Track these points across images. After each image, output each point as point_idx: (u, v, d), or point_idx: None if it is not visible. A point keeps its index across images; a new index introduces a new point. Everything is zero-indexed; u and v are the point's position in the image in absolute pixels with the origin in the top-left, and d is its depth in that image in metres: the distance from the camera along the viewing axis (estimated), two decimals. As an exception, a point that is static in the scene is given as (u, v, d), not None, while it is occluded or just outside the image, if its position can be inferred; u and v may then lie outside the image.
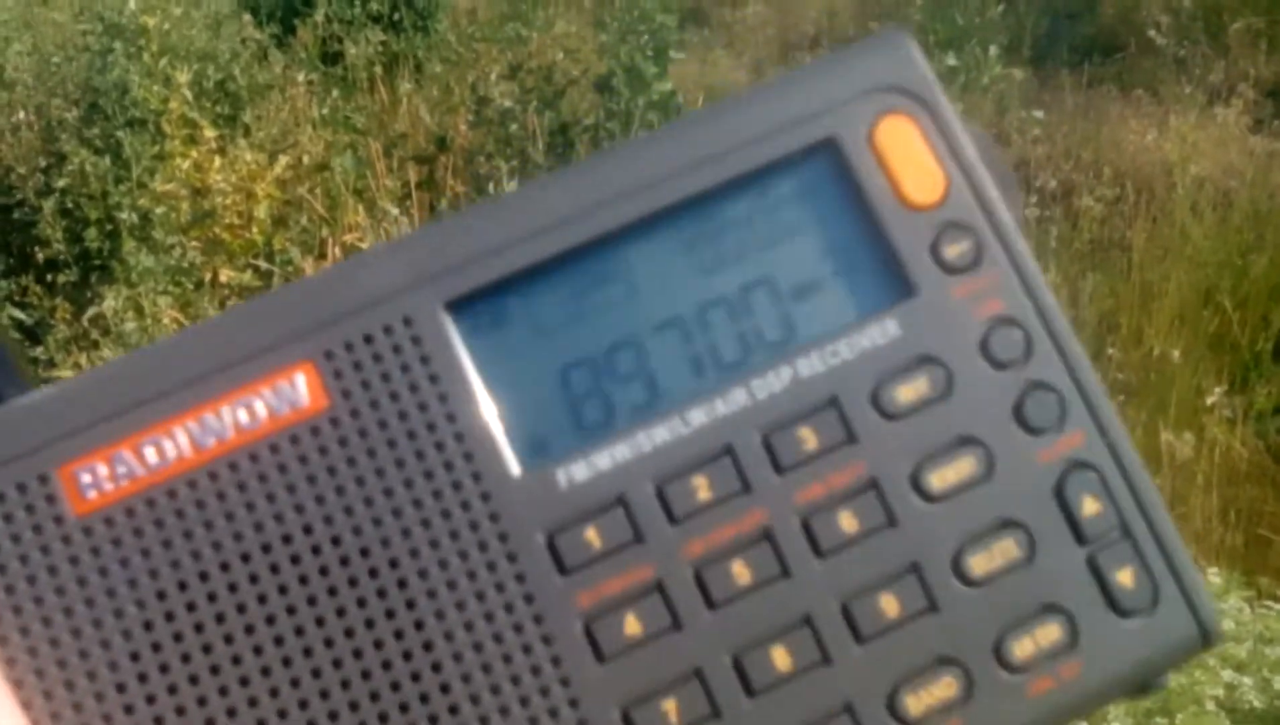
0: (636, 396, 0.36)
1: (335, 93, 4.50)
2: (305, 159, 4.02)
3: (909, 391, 0.36)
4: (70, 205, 3.74)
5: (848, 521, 0.35)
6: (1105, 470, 0.36)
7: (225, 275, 3.70)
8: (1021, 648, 0.35)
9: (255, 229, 3.78)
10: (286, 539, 0.33)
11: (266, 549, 0.33)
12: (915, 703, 0.34)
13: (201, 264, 3.64)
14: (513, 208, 0.37)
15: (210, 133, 3.78)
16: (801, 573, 0.35)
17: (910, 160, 0.37)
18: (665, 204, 0.37)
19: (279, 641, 0.33)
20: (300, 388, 0.34)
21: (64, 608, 0.32)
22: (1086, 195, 3.83)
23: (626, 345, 0.37)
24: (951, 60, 4.66)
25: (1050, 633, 0.35)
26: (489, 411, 0.35)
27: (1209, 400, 2.98)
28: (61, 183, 3.73)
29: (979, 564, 0.35)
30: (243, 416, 0.33)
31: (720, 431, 0.35)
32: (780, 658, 0.34)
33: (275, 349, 0.34)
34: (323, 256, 3.72)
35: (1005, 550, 0.35)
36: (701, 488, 0.35)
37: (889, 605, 0.35)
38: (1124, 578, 0.35)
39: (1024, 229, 0.38)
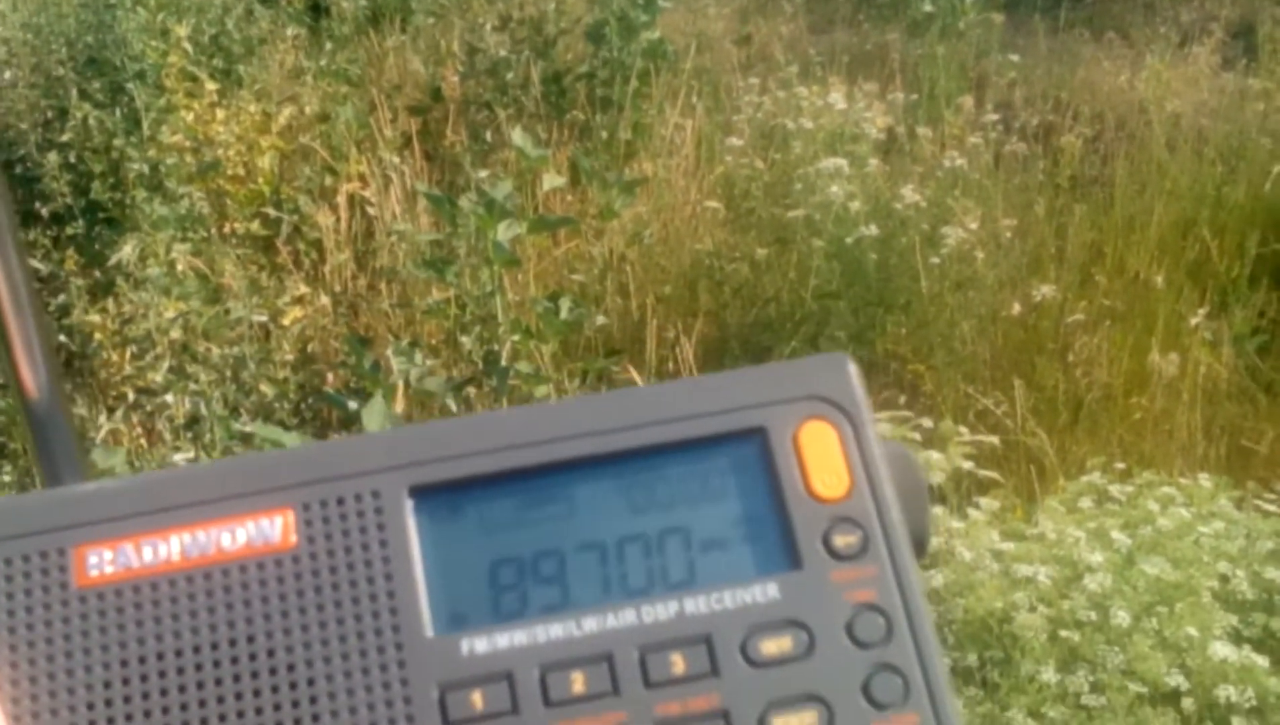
0: (548, 597, 0.42)
1: (329, 45, 4.55)
2: (307, 110, 4.07)
3: (773, 645, 0.41)
4: (74, 159, 3.77)
5: None
6: None
7: (233, 225, 3.76)
8: None
9: (260, 179, 3.84)
10: (232, 642, 0.41)
11: (214, 646, 0.41)
12: None
13: (210, 214, 3.70)
14: (485, 425, 0.45)
15: (210, 86, 3.83)
16: None
17: (823, 459, 0.43)
18: (617, 449, 0.44)
19: (204, 721, 0.40)
20: (276, 527, 0.42)
21: (51, 654, 0.41)
22: (1066, 133, 3.94)
23: (552, 555, 0.43)
24: (928, 6, 4.75)
25: None
26: (421, 582, 0.42)
27: (1192, 322, 3.11)
28: (65, 137, 3.76)
29: None
30: (225, 539, 0.42)
31: (606, 640, 0.41)
32: None
33: (266, 493, 0.43)
34: (333, 207, 3.79)
35: None
36: (578, 681, 0.41)
37: None
38: None
39: (924, 535, 0.45)
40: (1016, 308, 3.14)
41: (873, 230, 3.12)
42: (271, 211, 3.78)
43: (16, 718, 0.39)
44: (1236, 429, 2.96)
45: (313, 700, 0.40)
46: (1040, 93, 4.33)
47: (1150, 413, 2.93)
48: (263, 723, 0.40)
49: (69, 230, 3.73)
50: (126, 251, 3.32)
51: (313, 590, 0.41)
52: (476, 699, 0.41)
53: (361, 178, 3.89)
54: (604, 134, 3.90)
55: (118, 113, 3.77)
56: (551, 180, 3.03)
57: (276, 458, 0.44)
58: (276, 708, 0.40)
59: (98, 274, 3.51)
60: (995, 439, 2.63)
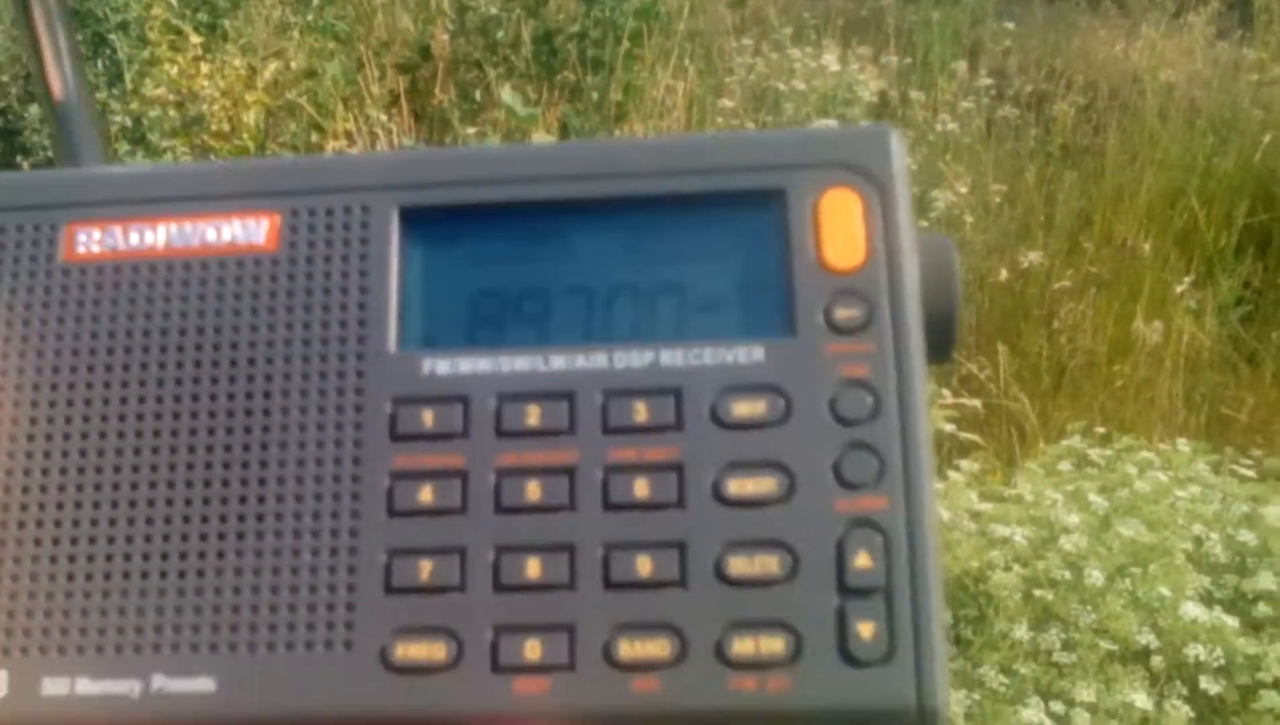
0: (525, 334, 0.41)
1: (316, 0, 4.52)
2: (293, 66, 4.05)
3: (745, 407, 0.39)
4: (60, 111, 3.74)
5: (642, 488, 0.39)
6: (893, 537, 0.38)
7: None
8: (741, 645, 0.37)
9: (245, 135, 3.82)
10: (200, 331, 0.41)
11: (183, 333, 0.41)
12: (629, 649, 0.38)
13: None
14: (488, 157, 0.43)
15: (195, 39, 3.80)
16: (584, 511, 0.39)
17: (842, 229, 0.41)
18: (626, 195, 0.42)
19: (159, 399, 0.41)
20: (262, 229, 0.42)
21: (28, 320, 0.42)
22: (1059, 101, 3.93)
23: (539, 294, 0.42)
24: (924, -27, 4.73)
25: (773, 645, 0.37)
26: (395, 298, 0.41)
27: (1177, 290, 3.11)
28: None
29: (738, 566, 0.38)
30: (210, 234, 0.42)
31: (571, 379, 0.40)
32: (533, 567, 0.38)
33: (257, 196, 0.42)
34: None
35: (766, 565, 0.38)
36: (534, 415, 0.40)
37: (643, 565, 0.38)
38: (864, 630, 0.37)
39: (947, 329, 0.42)
40: (1004, 273, 3.14)
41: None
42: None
43: None
44: (1217, 397, 2.97)
45: (266, 396, 0.40)
46: (1035, 60, 4.32)
47: (1133, 380, 2.94)
48: (216, 409, 0.40)
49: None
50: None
51: (285, 293, 0.41)
52: (428, 417, 0.40)
53: (348, 135, 3.87)
54: (595, 95, 3.88)
55: (100, 65, 3.74)
56: (541, 140, 3.02)
57: (272, 165, 0.44)
58: (230, 397, 0.40)
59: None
60: (978, 403, 2.64)
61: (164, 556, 0.39)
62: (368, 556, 0.39)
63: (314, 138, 3.90)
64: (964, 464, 2.37)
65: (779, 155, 0.42)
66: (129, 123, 3.63)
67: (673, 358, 0.40)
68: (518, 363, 0.40)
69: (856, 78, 3.59)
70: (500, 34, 4.09)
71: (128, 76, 3.68)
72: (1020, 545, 2.06)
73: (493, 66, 4.01)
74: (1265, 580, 2.02)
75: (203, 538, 0.39)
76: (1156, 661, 1.88)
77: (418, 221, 0.42)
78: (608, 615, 0.38)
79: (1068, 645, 1.92)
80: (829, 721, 0.38)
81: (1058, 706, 1.81)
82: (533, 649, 0.38)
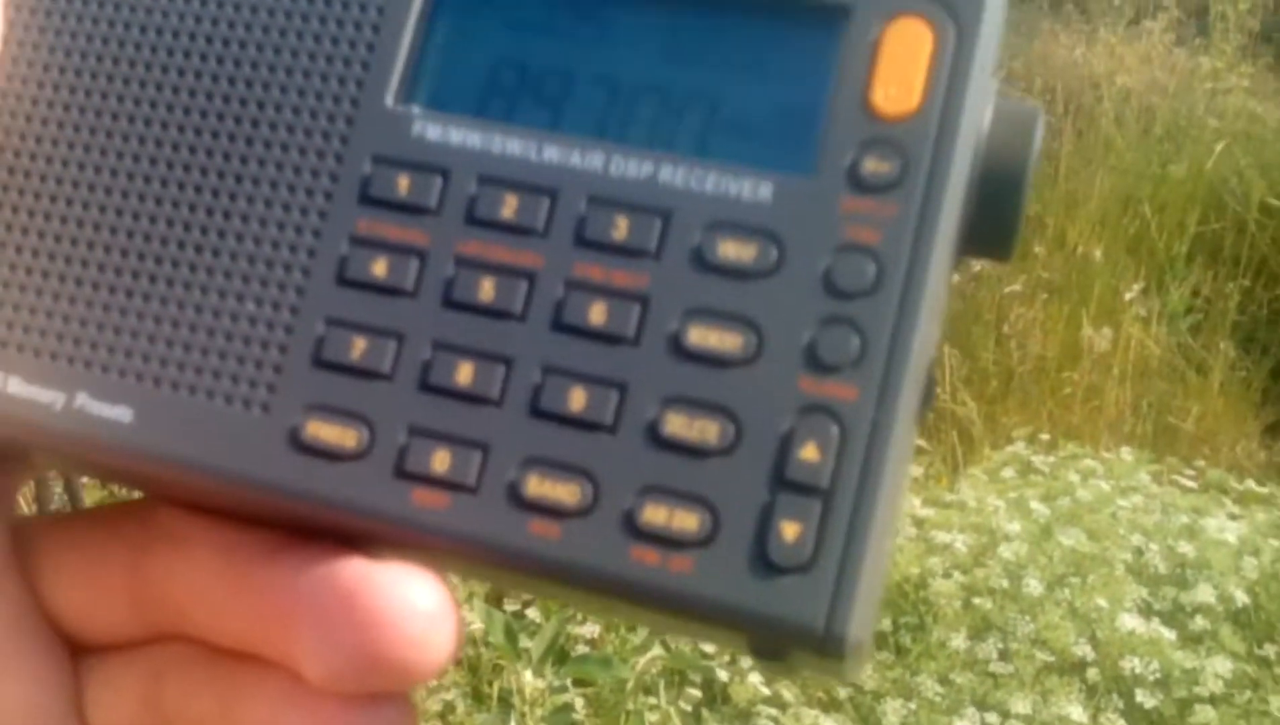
0: (535, 116, 0.38)
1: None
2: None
3: (733, 250, 0.35)
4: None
5: (597, 314, 0.36)
6: (852, 434, 0.34)
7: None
8: (652, 513, 0.34)
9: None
10: (192, 36, 0.40)
11: (176, 34, 0.40)
12: (537, 486, 0.35)
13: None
14: None
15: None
16: (531, 325, 0.36)
17: (900, 66, 0.36)
18: None
19: (143, 98, 0.39)
20: None
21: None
22: (1016, 105, 3.93)
23: (562, 75, 0.39)
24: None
25: (687, 521, 0.34)
26: (407, 45, 0.38)
27: (1126, 297, 3.13)
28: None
29: (674, 424, 0.35)
30: None
31: (558, 176, 0.37)
32: (464, 373, 0.36)
33: None
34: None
35: (705, 430, 0.35)
36: (509, 206, 0.37)
37: (576, 399, 0.35)
38: (788, 531, 0.34)
39: (1005, 216, 0.36)
40: (955, 277, 3.14)
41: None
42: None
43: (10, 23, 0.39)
44: (1164, 406, 2.98)
45: (253, 124, 0.38)
46: (994, 63, 4.32)
47: (1080, 387, 2.95)
48: (200, 126, 0.38)
49: None
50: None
51: (298, 17, 0.39)
52: (403, 183, 0.37)
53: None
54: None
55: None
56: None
57: None
58: (219, 117, 0.38)
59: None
60: (924, 406, 2.63)
61: (116, 269, 0.38)
62: (306, 321, 0.36)
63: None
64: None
65: None
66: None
67: (672, 175, 0.36)
68: (510, 144, 0.37)
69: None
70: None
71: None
72: (961, 552, 2.06)
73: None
74: (1203, 593, 2.03)
75: (155, 259, 0.37)
76: (1093, 673, 1.89)
77: None
78: (525, 444, 0.35)
79: (1005, 655, 1.92)
80: (723, 621, 0.34)
81: (993, 718, 1.81)
82: (441, 460, 0.35)
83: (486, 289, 0.36)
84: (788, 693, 1.89)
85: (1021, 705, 1.82)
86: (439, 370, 0.36)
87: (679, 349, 0.35)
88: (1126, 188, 3.58)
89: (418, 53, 0.38)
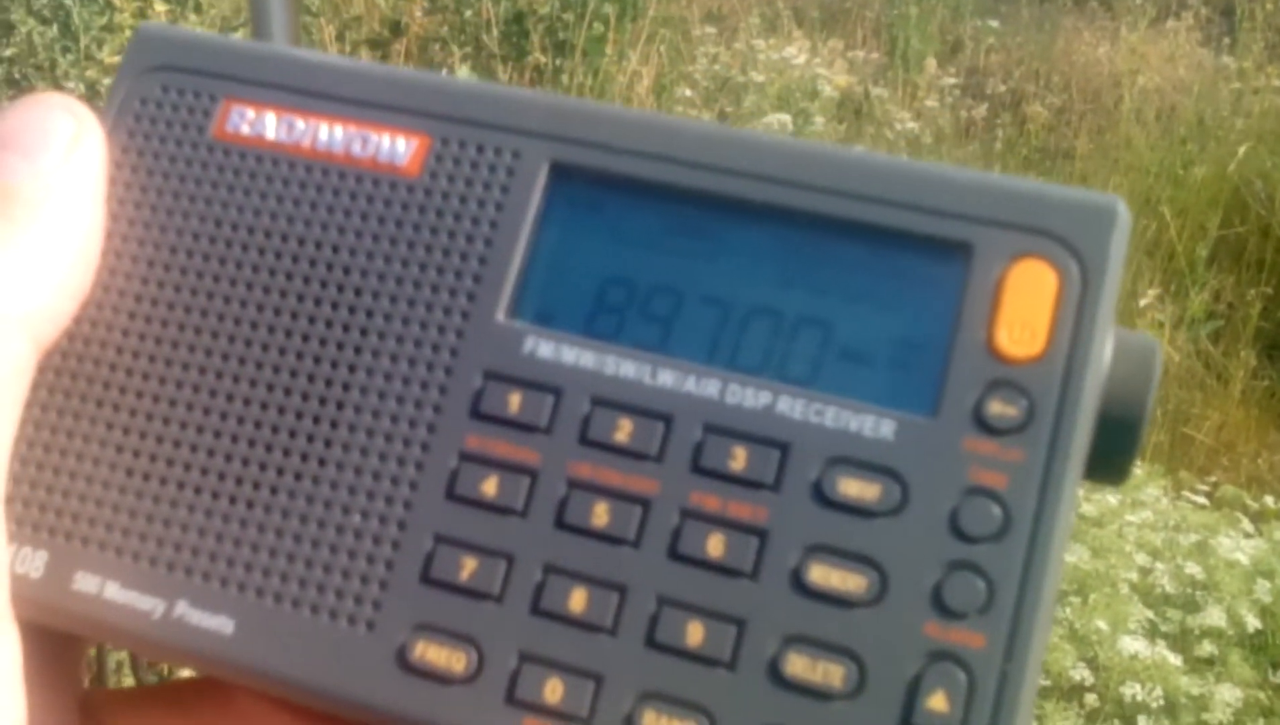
0: (645, 335, 0.37)
1: (287, -28, 4.43)
2: (257, 37, 3.96)
3: (855, 487, 0.34)
4: (17, 75, 3.67)
5: (715, 546, 0.35)
6: (981, 683, 0.33)
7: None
8: None
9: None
10: (318, 245, 0.38)
11: (301, 242, 0.39)
12: (653, 721, 0.34)
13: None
14: (659, 127, 0.39)
15: (161, 7, 3.71)
16: (647, 553, 0.35)
17: (1024, 309, 0.35)
18: (794, 206, 0.37)
19: (260, 308, 0.38)
20: (408, 150, 0.39)
21: (162, 190, 0.40)
22: (1035, 103, 3.85)
23: (672, 293, 0.38)
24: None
25: None
26: (519, 261, 0.38)
27: (1143, 302, 3.04)
28: (9, 52, 3.65)
29: (795, 665, 0.33)
30: (356, 145, 0.39)
31: (674, 402, 0.36)
32: (577, 599, 0.35)
33: (413, 114, 0.39)
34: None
35: (828, 673, 0.33)
36: (624, 430, 0.36)
37: (693, 633, 0.34)
38: None
39: (1123, 451, 0.36)
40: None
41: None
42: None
43: (109, 233, 0.39)
44: (1182, 416, 2.89)
45: (363, 333, 0.37)
46: (1016, 60, 4.25)
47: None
48: (311, 334, 0.38)
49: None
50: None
51: (412, 227, 0.38)
52: (514, 400, 0.36)
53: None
54: (564, 78, 3.81)
55: (58, 30, 3.66)
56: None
57: (436, 81, 0.40)
58: (329, 325, 0.38)
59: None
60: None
61: (221, 476, 0.37)
62: (414, 537, 0.36)
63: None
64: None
65: (979, 204, 0.36)
66: (83, 90, 3.54)
67: (791, 407, 0.35)
68: (624, 367, 0.36)
69: (820, 72, 3.50)
70: (468, 13, 4.02)
71: (82, 41, 3.59)
72: (959, 569, 1.99)
73: (459, 46, 3.93)
74: (1213, 616, 1.95)
75: (262, 467, 0.37)
76: (1091, 699, 1.81)
77: (566, 180, 0.38)
78: (640, 676, 0.34)
79: (1000, 677, 1.84)
80: None
81: (985, 743, 1.74)
82: (553, 689, 0.34)
83: (600, 513, 0.35)
84: None
85: (1016, 731, 1.74)
86: (551, 594, 0.35)
87: (800, 586, 0.34)
88: (1146, 189, 3.48)
89: (528, 267, 0.38)
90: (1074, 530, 2.05)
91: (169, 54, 0.41)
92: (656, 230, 0.38)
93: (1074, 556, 1.99)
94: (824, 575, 0.34)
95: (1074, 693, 1.83)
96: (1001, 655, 0.33)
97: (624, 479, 0.35)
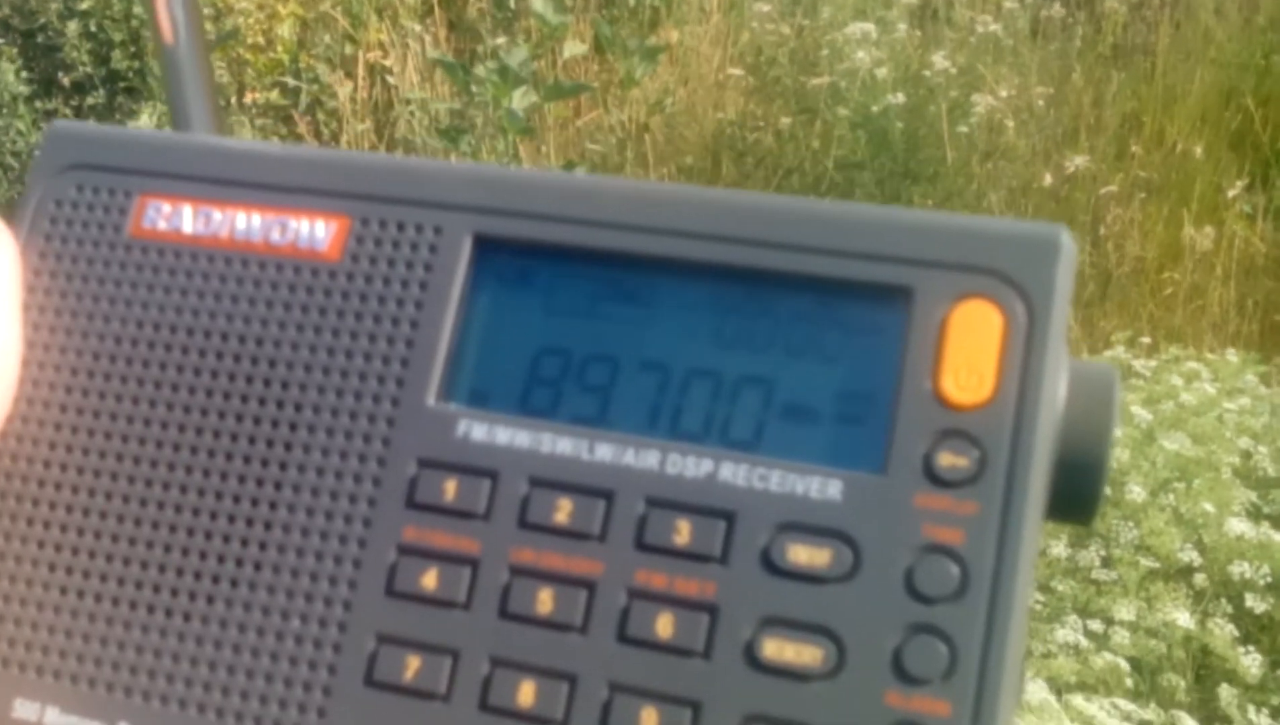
0: (583, 407, 0.36)
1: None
2: (326, -24, 4.00)
3: (805, 554, 0.33)
4: (94, 28, 3.73)
5: (664, 626, 0.34)
6: None
7: (252, 95, 3.72)
8: None
9: (279, 48, 3.80)
10: (241, 339, 0.38)
11: (224, 337, 0.38)
12: None
13: (229, 84, 3.66)
14: (582, 190, 0.38)
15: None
16: (595, 639, 0.34)
17: (969, 353, 0.34)
18: (727, 263, 0.36)
19: (186, 410, 0.38)
20: (327, 234, 0.38)
21: (80, 293, 0.39)
22: (1110, -1, 3.80)
23: (607, 362, 0.37)
24: None
25: None
26: (446, 341, 0.37)
27: (1230, 193, 3.02)
28: (85, 5, 3.72)
29: None
30: (275, 233, 0.39)
31: (614, 477, 0.35)
32: (525, 692, 0.34)
33: (331, 196, 0.39)
34: (351, 76, 3.73)
35: None
36: (563, 511, 0.35)
37: (648, 719, 0.33)
38: None
39: (1085, 494, 0.35)
40: (1048, 179, 3.06)
41: (900, 98, 3.03)
42: (290, 81, 3.73)
43: (30, 343, 0.38)
44: (1271, 304, 2.88)
45: (291, 428, 0.37)
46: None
47: (1182, 287, 2.86)
48: (238, 434, 0.37)
49: (90, 100, 3.71)
50: (144, 120, 3.29)
51: (335, 313, 0.37)
52: (450, 488, 0.35)
53: (381, 46, 3.82)
54: (630, 1, 3.80)
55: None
56: (572, 48, 2.96)
57: (353, 160, 0.39)
58: (256, 422, 0.37)
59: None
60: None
61: (155, 589, 0.36)
62: (355, 638, 0.35)
63: (347, 49, 3.85)
64: (1005, 377, 2.32)
65: (916, 245, 0.35)
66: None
67: (734, 473, 0.34)
68: (561, 444, 0.35)
69: (897, -23, 3.48)
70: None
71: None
72: (1060, 460, 2.02)
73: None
74: (1315, 494, 1.97)
75: (197, 577, 0.36)
76: (1200, 579, 1.84)
77: (492, 253, 0.37)
78: None
79: (1107, 562, 1.88)
80: None
81: (1096, 625, 1.78)
82: None
83: (544, 599, 0.34)
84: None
85: (1126, 612, 1.78)
86: (499, 689, 0.34)
87: (755, 663, 0.33)
88: (1228, 81, 3.44)
89: (457, 346, 0.37)
90: (1174, 419, 2.07)
91: (82, 152, 0.40)
92: (588, 297, 0.37)
93: (1175, 444, 2.02)
94: (778, 649, 0.33)
95: (1182, 574, 1.86)
96: (969, 721, 0.31)
97: (567, 562, 0.34)
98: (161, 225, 0.39)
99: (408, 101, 3.58)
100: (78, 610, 0.37)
